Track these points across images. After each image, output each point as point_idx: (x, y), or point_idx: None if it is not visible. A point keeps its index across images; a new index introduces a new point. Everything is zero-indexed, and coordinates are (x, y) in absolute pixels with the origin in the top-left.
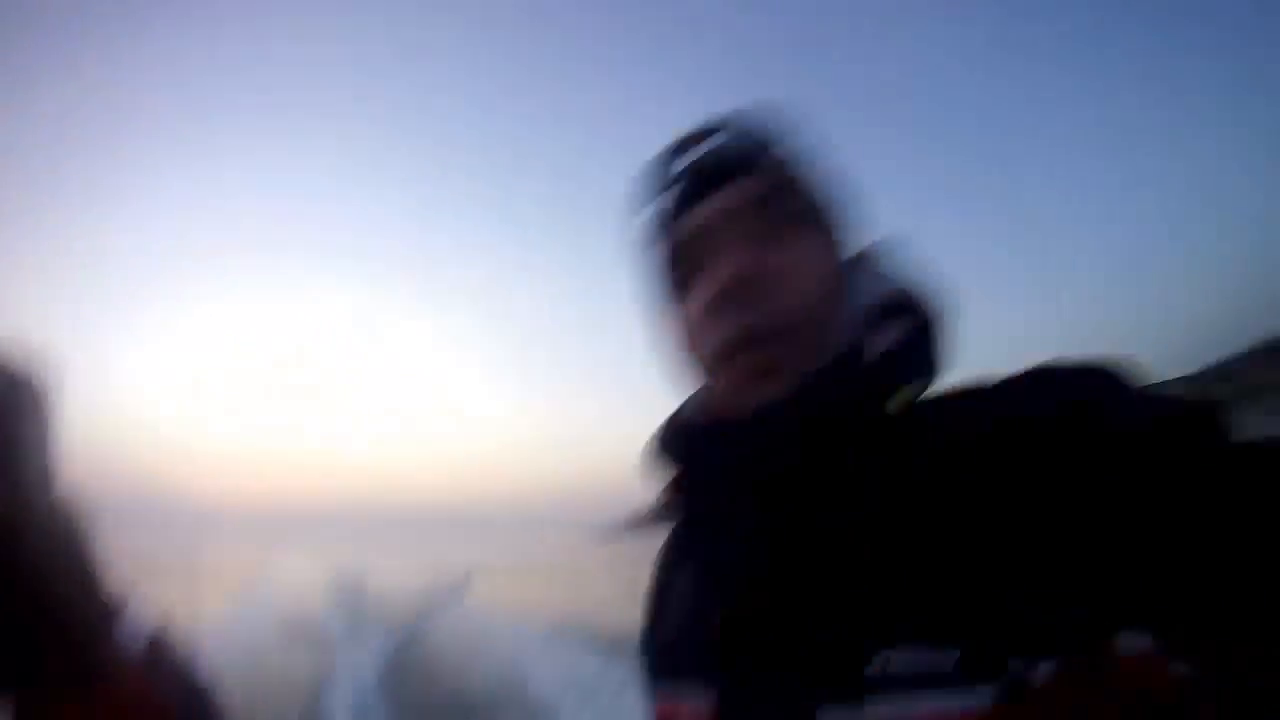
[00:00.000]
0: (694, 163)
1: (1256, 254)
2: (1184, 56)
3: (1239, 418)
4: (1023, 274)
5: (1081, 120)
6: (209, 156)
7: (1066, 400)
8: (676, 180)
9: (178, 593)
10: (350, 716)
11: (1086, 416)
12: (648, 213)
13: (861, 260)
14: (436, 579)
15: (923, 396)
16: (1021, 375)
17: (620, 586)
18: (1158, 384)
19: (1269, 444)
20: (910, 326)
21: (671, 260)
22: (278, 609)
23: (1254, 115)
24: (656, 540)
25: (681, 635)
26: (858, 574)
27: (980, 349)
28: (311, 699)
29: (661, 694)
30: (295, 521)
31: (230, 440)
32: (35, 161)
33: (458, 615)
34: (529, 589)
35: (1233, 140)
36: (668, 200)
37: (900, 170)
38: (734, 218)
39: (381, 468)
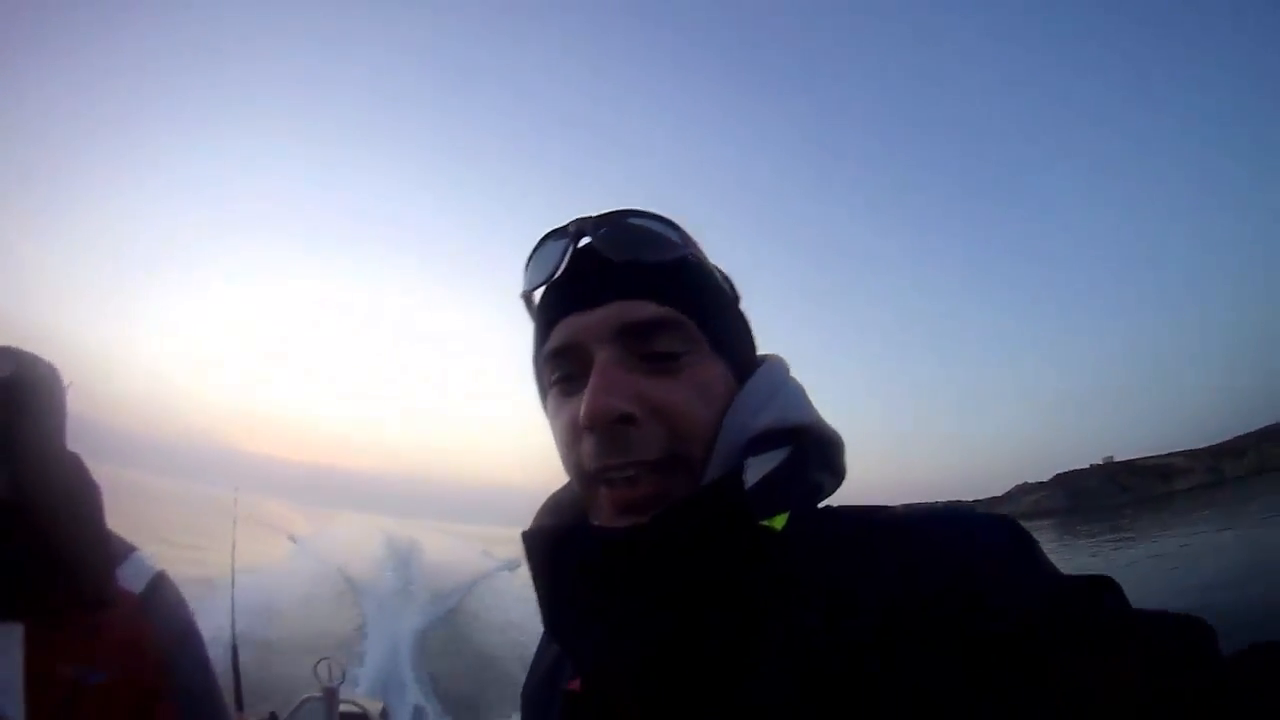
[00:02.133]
0: (592, 252)
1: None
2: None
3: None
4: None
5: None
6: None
7: (958, 562)
8: (571, 269)
9: (235, 540)
10: (385, 669)
11: (974, 589)
12: (540, 288)
13: (749, 383)
14: (484, 555)
15: (820, 509)
16: (917, 519)
17: None
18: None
19: (1149, 621)
20: (796, 451)
21: (555, 354)
22: (333, 562)
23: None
24: None
25: (545, 689)
26: (691, 689)
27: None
28: (352, 648)
29: None
30: (360, 486)
31: (302, 407)
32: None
33: (502, 587)
34: None
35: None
36: (558, 291)
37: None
38: (624, 339)
39: (447, 442)
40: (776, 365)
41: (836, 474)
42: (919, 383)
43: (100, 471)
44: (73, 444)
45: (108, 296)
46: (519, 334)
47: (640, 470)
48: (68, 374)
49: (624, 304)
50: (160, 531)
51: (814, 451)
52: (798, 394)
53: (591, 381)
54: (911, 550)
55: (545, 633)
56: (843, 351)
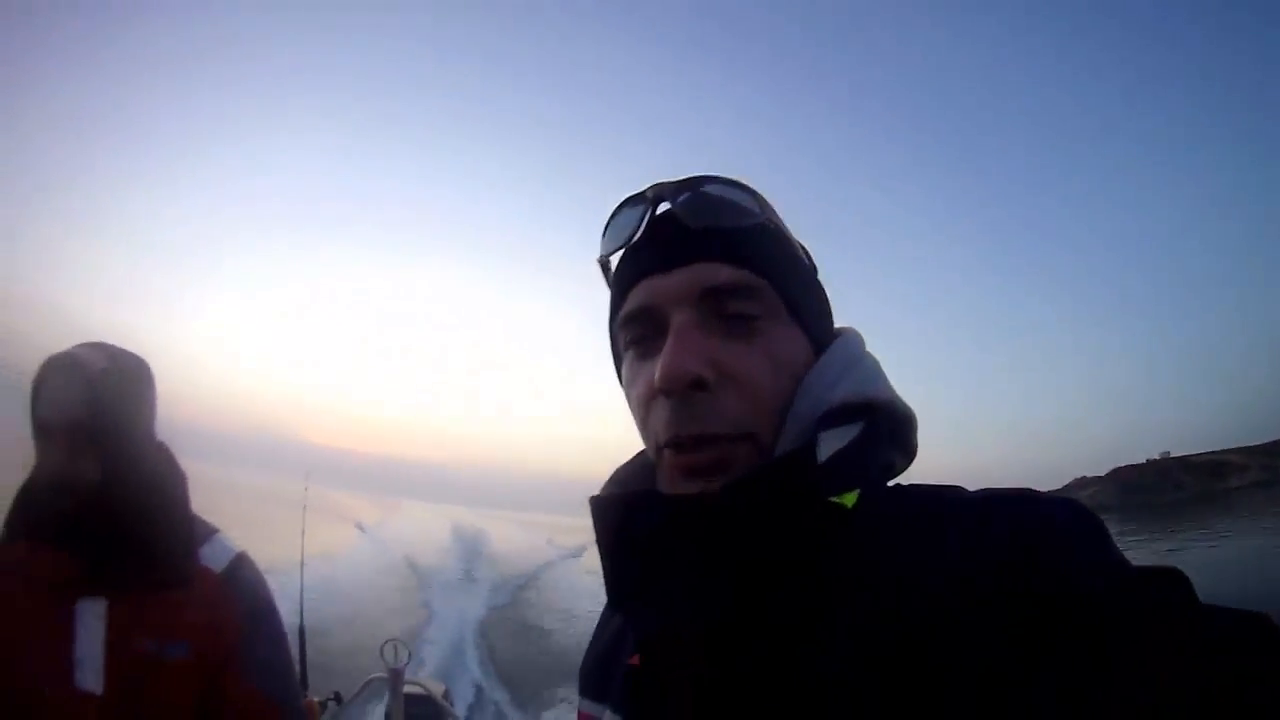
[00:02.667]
0: (670, 217)
1: None
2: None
3: None
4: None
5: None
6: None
7: (1026, 552)
8: (649, 234)
9: (305, 527)
10: (449, 652)
11: (1041, 571)
12: (617, 252)
13: (825, 355)
14: (549, 544)
15: (889, 487)
16: (987, 501)
17: None
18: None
19: (1226, 614)
20: (869, 427)
21: (631, 318)
22: (400, 550)
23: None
24: None
25: (605, 664)
26: (754, 663)
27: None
28: (415, 631)
29: (586, 705)
30: (428, 476)
31: (371, 400)
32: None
33: (564, 574)
34: None
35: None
36: (635, 255)
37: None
38: (701, 301)
39: (517, 432)
40: (853, 338)
41: (908, 452)
42: (981, 370)
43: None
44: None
45: (174, 294)
46: (587, 323)
47: (711, 442)
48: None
49: (702, 267)
50: (229, 520)
51: (886, 429)
52: (874, 368)
53: (668, 344)
54: (980, 531)
55: (606, 606)
56: (903, 335)
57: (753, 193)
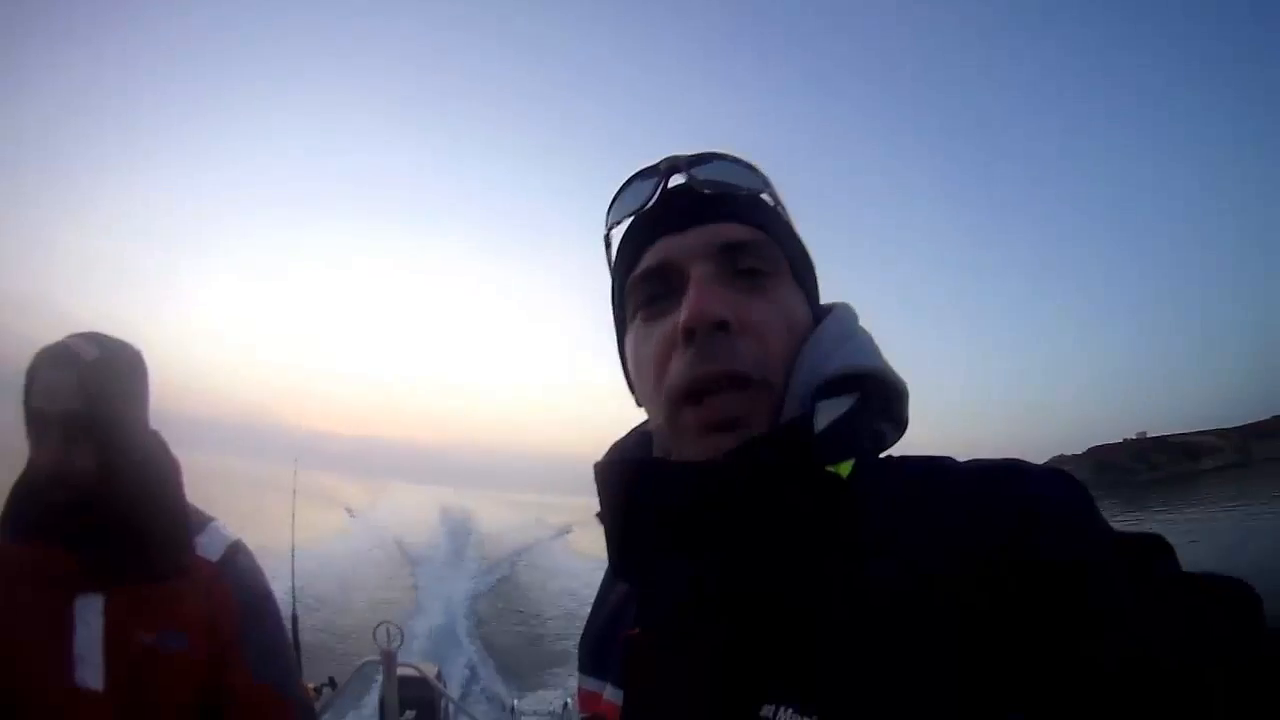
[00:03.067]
0: (683, 187)
1: None
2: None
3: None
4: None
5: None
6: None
7: (1021, 523)
8: (664, 200)
9: (294, 512)
10: (440, 632)
11: (1033, 537)
12: (625, 223)
13: (821, 323)
14: (537, 523)
15: (882, 458)
16: (981, 471)
17: None
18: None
19: (1207, 581)
20: (863, 398)
21: (648, 275)
22: (390, 532)
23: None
24: None
25: (605, 639)
26: (764, 628)
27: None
28: (406, 613)
29: (586, 681)
30: (418, 458)
31: (352, 380)
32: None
33: (554, 552)
34: None
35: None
36: (650, 218)
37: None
38: (719, 256)
39: (503, 410)
40: (847, 312)
41: (899, 425)
42: (968, 349)
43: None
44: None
45: (154, 282)
46: (576, 300)
47: (730, 386)
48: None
49: (718, 226)
50: (219, 506)
51: (878, 401)
52: (868, 341)
53: (691, 290)
54: (973, 500)
55: (609, 575)
56: (888, 313)
57: (756, 169)
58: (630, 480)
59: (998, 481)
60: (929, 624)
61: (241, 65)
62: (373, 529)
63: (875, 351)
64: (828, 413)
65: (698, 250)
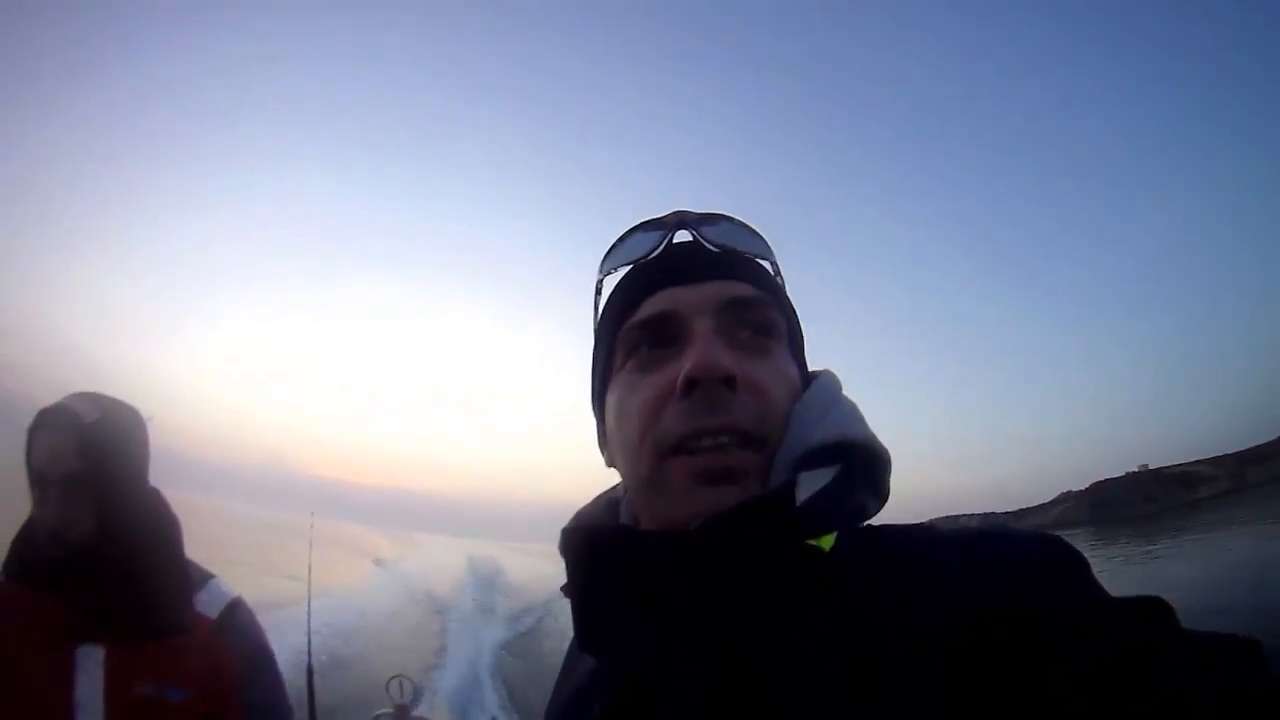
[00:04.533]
0: (689, 243)
1: None
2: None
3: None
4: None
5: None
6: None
7: (1012, 585)
8: (669, 252)
9: (311, 563)
10: (465, 685)
11: (1026, 607)
12: (620, 271)
13: (806, 394)
14: (564, 574)
15: (864, 528)
16: (968, 537)
17: None
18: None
19: (1216, 641)
20: (847, 470)
21: (646, 324)
22: (417, 581)
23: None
24: None
25: (572, 712)
26: (734, 705)
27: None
28: (432, 664)
29: None
30: (441, 509)
31: (375, 432)
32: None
33: None
34: None
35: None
36: (654, 268)
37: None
38: (724, 312)
39: (527, 462)
40: (831, 380)
41: (880, 496)
42: (980, 383)
43: (176, 498)
44: (151, 473)
45: (178, 326)
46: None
47: (731, 439)
48: (146, 406)
49: (725, 283)
50: (238, 556)
51: (862, 472)
52: (852, 409)
53: (699, 343)
54: (960, 570)
55: (572, 649)
56: (898, 350)
57: (762, 236)
58: (598, 549)
59: (988, 543)
60: (912, 693)
61: (256, 106)
62: (401, 579)
63: (860, 419)
64: (809, 485)
65: (703, 304)
